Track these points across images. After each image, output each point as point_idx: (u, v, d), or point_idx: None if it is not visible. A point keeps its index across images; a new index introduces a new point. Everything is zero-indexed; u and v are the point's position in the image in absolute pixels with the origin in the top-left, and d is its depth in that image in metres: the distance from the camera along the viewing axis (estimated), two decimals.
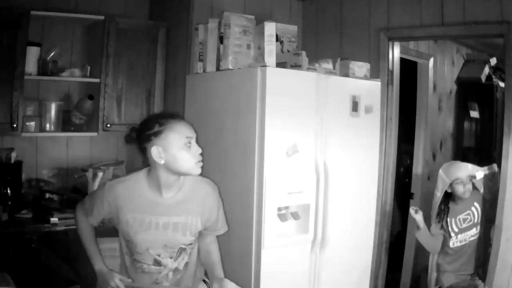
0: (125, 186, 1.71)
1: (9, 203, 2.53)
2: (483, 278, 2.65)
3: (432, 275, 2.93)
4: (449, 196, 2.78)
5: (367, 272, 2.91)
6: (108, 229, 2.71)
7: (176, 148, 1.59)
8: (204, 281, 1.97)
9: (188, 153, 1.61)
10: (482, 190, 2.80)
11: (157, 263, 1.72)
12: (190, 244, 1.76)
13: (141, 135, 1.65)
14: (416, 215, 2.76)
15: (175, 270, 1.77)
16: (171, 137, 1.59)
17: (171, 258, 1.73)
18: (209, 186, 1.84)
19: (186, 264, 1.79)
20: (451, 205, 2.79)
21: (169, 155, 1.59)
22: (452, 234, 2.75)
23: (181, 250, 1.74)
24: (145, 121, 1.71)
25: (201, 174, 1.72)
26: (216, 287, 1.67)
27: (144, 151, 1.66)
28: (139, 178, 1.72)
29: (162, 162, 1.60)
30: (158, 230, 1.68)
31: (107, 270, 1.77)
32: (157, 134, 1.60)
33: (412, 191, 3.82)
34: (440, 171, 2.82)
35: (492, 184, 2.69)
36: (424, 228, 2.77)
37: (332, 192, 2.63)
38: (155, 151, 1.60)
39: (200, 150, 1.65)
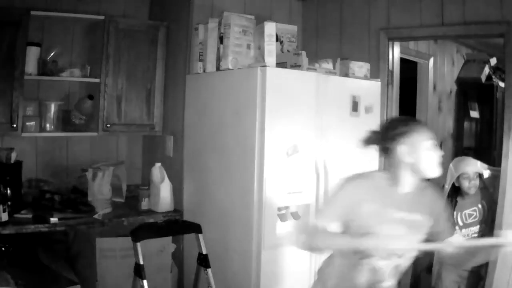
0: (366, 179, 1.73)
1: (9, 203, 2.52)
2: (485, 275, 2.66)
3: (436, 268, 2.95)
4: (457, 191, 2.81)
5: None
6: (109, 229, 2.72)
7: (424, 148, 1.63)
8: None
9: (434, 155, 1.65)
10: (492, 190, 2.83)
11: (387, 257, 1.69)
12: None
13: (387, 136, 1.68)
14: None
15: (396, 267, 1.73)
16: (419, 138, 1.63)
17: (398, 255, 1.71)
18: (437, 192, 1.83)
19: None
20: (458, 199, 2.82)
21: (416, 155, 1.63)
22: (456, 228, 2.77)
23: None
24: (389, 122, 1.77)
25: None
26: None
27: (387, 151, 1.69)
28: (378, 174, 1.75)
29: (410, 161, 1.64)
30: (395, 225, 1.66)
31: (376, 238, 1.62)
32: (404, 134, 1.64)
33: None
34: (450, 165, 2.87)
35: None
36: None
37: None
38: (403, 150, 1.63)
39: (441, 153, 1.68)
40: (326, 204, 1.75)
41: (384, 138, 1.70)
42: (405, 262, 1.74)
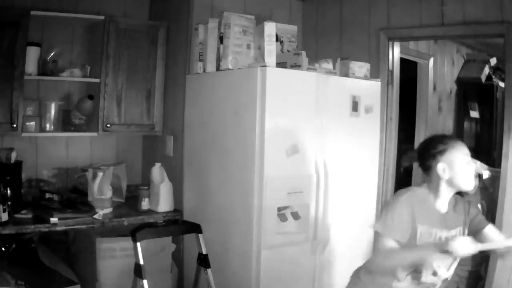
0: (416, 196, 1.79)
1: (9, 203, 2.52)
2: (484, 275, 2.66)
3: None
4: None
5: None
6: (109, 229, 2.72)
7: (460, 164, 1.74)
8: None
9: (470, 170, 1.76)
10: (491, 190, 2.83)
11: (435, 273, 1.69)
12: None
13: (425, 154, 1.79)
14: None
15: (444, 280, 1.79)
16: (456, 155, 1.74)
17: (445, 268, 1.74)
18: (464, 201, 1.92)
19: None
20: None
21: (454, 171, 1.73)
22: None
23: (454, 261, 1.77)
24: (427, 141, 1.85)
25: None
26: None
27: (427, 169, 1.79)
28: (424, 191, 1.81)
29: (447, 177, 1.74)
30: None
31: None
32: (442, 152, 1.75)
33: None
34: None
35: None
36: None
37: (332, 192, 2.63)
38: (442, 167, 1.74)
39: (474, 167, 1.79)
40: (386, 223, 1.74)
41: (424, 157, 1.80)
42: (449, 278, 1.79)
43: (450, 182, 1.75)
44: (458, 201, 1.86)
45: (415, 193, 1.79)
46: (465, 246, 1.56)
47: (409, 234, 1.72)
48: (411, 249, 1.69)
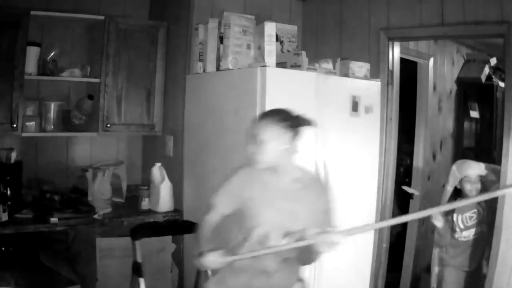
0: (251, 168, 1.94)
1: (9, 203, 2.53)
2: (484, 275, 2.66)
3: (434, 269, 2.95)
4: (458, 193, 2.80)
5: (367, 272, 2.91)
6: (109, 229, 2.72)
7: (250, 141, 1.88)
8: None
9: (250, 146, 1.88)
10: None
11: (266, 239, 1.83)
12: (299, 231, 1.83)
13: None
14: (436, 221, 2.73)
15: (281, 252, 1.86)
16: (249, 132, 1.90)
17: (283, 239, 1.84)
18: (324, 187, 2.02)
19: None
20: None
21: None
22: (457, 230, 2.76)
23: (291, 234, 1.83)
24: None
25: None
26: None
27: None
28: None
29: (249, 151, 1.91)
30: (275, 211, 1.82)
31: None
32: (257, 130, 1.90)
33: None
34: (453, 167, 2.84)
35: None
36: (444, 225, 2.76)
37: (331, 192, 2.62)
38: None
39: (255, 147, 1.88)
40: (216, 192, 1.92)
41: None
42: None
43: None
44: (315, 183, 1.94)
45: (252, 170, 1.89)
46: (211, 262, 1.77)
47: (233, 206, 1.86)
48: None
